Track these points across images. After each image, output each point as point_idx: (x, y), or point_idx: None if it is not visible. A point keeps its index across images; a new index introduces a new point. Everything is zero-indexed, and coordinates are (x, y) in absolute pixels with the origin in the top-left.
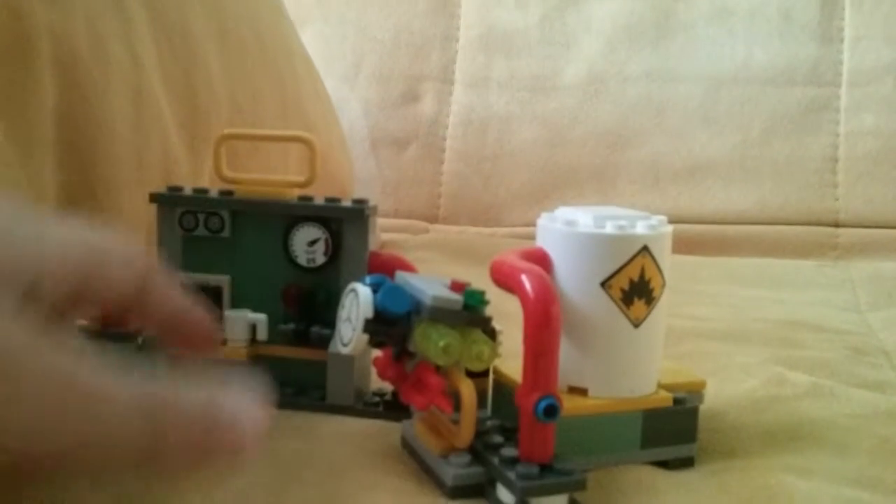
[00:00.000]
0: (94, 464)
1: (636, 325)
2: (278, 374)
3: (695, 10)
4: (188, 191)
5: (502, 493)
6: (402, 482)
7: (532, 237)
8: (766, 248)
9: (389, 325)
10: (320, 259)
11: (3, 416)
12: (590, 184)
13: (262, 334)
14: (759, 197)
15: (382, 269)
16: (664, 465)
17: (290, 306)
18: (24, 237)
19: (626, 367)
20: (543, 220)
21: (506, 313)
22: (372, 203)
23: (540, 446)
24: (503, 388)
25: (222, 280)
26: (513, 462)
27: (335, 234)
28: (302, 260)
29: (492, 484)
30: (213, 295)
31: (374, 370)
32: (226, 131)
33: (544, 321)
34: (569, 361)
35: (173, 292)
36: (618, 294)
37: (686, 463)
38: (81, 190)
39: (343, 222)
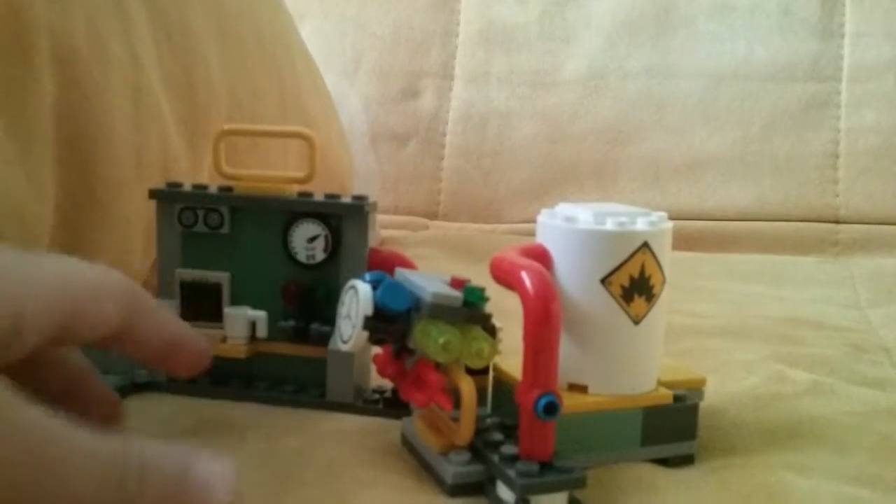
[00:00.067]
0: None
1: (636, 321)
2: (278, 371)
3: (695, 5)
4: (187, 187)
5: (502, 490)
6: (402, 479)
7: (532, 234)
8: (766, 244)
9: (389, 322)
10: (320, 255)
11: None
12: (590, 180)
13: (261, 331)
14: (760, 193)
15: (382, 265)
16: (664, 462)
17: (289, 303)
18: (2, 293)
19: (626, 365)
20: (543, 217)
21: (506, 310)
22: (372, 199)
23: (540, 444)
24: (503, 385)
25: (222, 277)
26: (513, 460)
27: (335, 231)
28: (301, 256)
29: (492, 482)
30: (212, 292)
31: (373, 367)
32: (225, 127)
33: (544, 318)
34: (569, 359)
35: (161, 320)
36: (618, 291)
37: (686, 460)
38: (80, 187)
39: (343, 219)
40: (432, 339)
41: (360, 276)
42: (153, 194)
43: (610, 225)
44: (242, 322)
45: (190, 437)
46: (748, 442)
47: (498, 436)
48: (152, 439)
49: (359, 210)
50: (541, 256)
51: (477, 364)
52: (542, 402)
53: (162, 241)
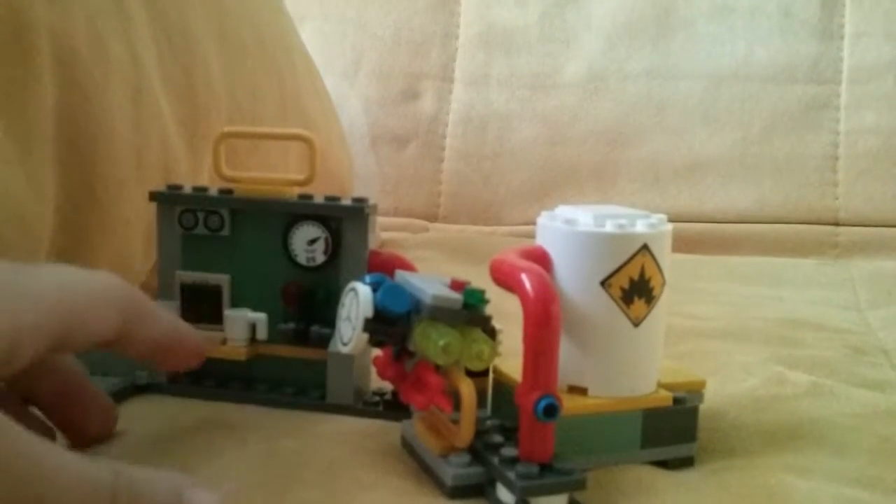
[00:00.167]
0: None
1: (636, 324)
2: (278, 374)
3: (695, 7)
4: (188, 189)
5: (502, 492)
6: (402, 482)
7: (532, 236)
8: (766, 246)
9: (389, 325)
10: (320, 258)
11: None
12: (590, 182)
13: (261, 333)
14: (760, 195)
15: (382, 267)
16: (664, 464)
17: (289, 305)
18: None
19: (625, 367)
20: (543, 219)
21: (506, 312)
22: (372, 201)
23: (540, 446)
24: (503, 387)
25: (222, 279)
26: (513, 462)
27: (335, 233)
28: (301, 259)
29: (492, 484)
30: (212, 294)
31: (373, 369)
32: (225, 129)
33: (544, 320)
34: (569, 361)
35: (159, 322)
36: (618, 293)
37: (686, 462)
38: (81, 188)
39: (343, 221)
40: (432, 342)
41: (361, 279)
42: (153, 196)
43: (610, 227)
44: (242, 324)
45: (190, 439)
46: (748, 444)
47: (498, 438)
48: (143, 466)
49: (359, 212)
50: (541, 259)
51: (477, 366)
52: (542, 404)
53: (162, 243)
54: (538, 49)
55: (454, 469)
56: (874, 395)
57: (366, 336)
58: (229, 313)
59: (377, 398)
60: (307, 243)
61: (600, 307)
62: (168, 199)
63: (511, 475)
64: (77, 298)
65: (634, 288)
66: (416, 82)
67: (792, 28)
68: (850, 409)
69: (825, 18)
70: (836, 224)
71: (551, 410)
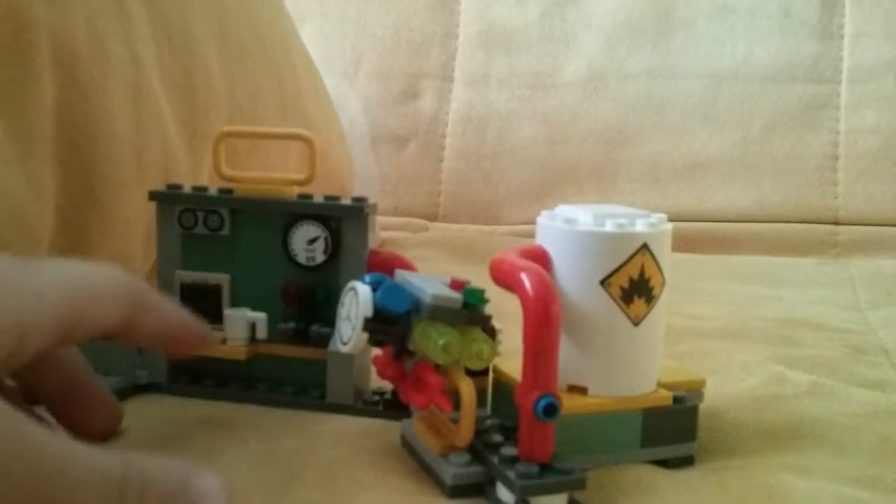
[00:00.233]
0: None
1: (636, 323)
2: (278, 373)
3: (695, 7)
4: (187, 189)
5: (502, 492)
6: (402, 481)
7: (532, 235)
8: (765, 245)
9: (389, 324)
10: (320, 257)
11: None
12: (590, 181)
13: (261, 333)
14: (759, 194)
15: (382, 267)
16: (664, 463)
17: (289, 305)
18: (3, 307)
19: (625, 366)
20: (543, 218)
21: (505, 312)
22: (371, 201)
23: (540, 445)
24: (503, 386)
25: (222, 278)
26: (512, 461)
27: (335, 233)
28: (301, 258)
29: (491, 483)
30: (212, 293)
31: (373, 369)
32: (225, 129)
33: (544, 320)
34: (568, 360)
35: (164, 313)
36: (617, 292)
37: (686, 462)
38: (81, 188)
39: (342, 220)
40: (432, 341)
41: (360, 278)
42: (153, 196)
43: (609, 226)
44: (242, 324)
45: (190, 439)
46: (748, 443)
47: (498, 437)
48: (152, 454)
49: (359, 212)
50: (540, 258)
51: (477, 365)
52: (542, 403)
53: (162, 242)
54: (538, 48)
55: (454, 468)
56: (874, 394)
57: (365, 335)
58: (229, 313)
59: (377, 398)
60: (307, 243)
61: (600, 307)
62: (168, 199)
63: (511, 474)
64: (81, 291)
65: (634, 287)
66: (416, 82)
67: (792, 28)
68: (850, 409)
69: (825, 18)
70: (836, 223)
71: (551, 410)
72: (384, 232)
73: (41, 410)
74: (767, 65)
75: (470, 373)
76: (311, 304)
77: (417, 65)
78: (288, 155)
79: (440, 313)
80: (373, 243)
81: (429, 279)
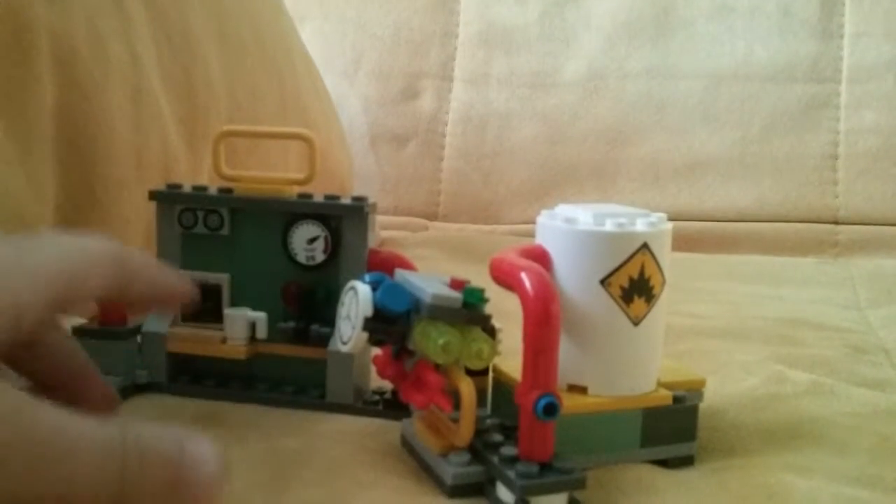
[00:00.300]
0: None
1: (636, 323)
2: (278, 373)
3: (695, 6)
4: (187, 188)
5: (502, 491)
6: (402, 481)
7: (532, 235)
8: (765, 245)
9: (389, 324)
10: (320, 257)
11: None
12: (590, 181)
13: (261, 332)
14: (759, 194)
15: (382, 266)
16: (664, 463)
17: (289, 304)
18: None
19: (625, 366)
20: (543, 218)
21: (505, 311)
22: (371, 200)
23: (539, 445)
24: (503, 386)
25: (222, 278)
26: (512, 461)
27: (334, 232)
28: (301, 258)
29: (491, 483)
30: (212, 293)
31: (373, 368)
32: (225, 128)
33: (544, 319)
34: (568, 360)
35: (149, 271)
36: (617, 292)
37: (686, 461)
38: (81, 187)
39: (342, 220)
40: (432, 341)
41: (360, 278)
42: (153, 196)
43: (609, 226)
44: (242, 323)
45: None
46: (748, 443)
47: (498, 437)
48: (147, 422)
49: (358, 211)
50: (540, 257)
51: (476, 365)
52: (542, 403)
53: (162, 242)
54: (538, 48)
55: (454, 468)
56: (874, 394)
57: (365, 335)
58: (229, 312)
59: (377, 397)
60: (307, 242)
61: (600, 306)
62: (168, 199)
63: (511, 474)
64: (72, 265)
65: (634, 287)
66: (416, 81)
67: (792, 27)
68: (850, 408)
69: (825, 18)
70: (836, 223)
71: (551, 409)
72: (384, 231)
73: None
74: (767, 64)
75: (470, 372)
76: (310, 304)
77: (417, 64)
78: (288, 154)
79: (440, 313)
80: (373, 243)
81: (429, 279)
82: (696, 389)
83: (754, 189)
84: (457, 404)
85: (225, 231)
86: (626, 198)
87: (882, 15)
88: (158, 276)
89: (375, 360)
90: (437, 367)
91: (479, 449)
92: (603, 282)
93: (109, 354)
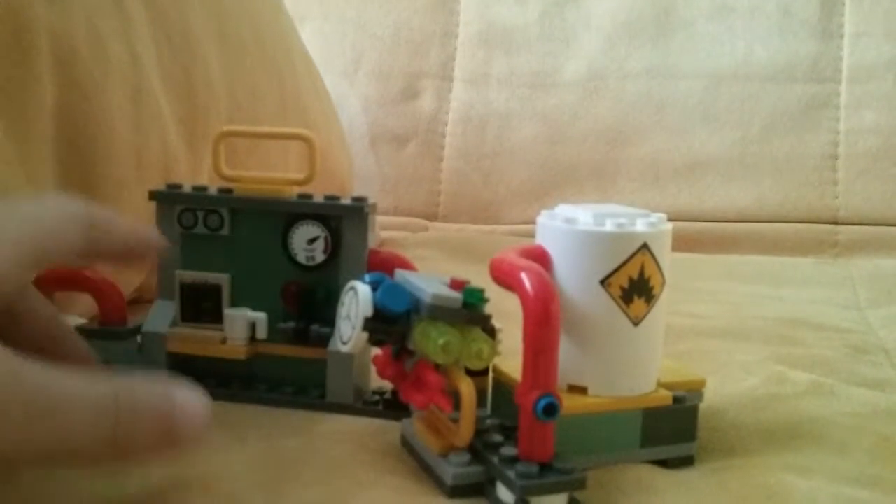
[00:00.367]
0: (64, 458)
1: (636, 323)
2: (278, 373)
3: (695, 6)
4: (187, 188)
5: (502, 492)
6: (402, 481)
7: (532, 235)
8: (765, 245)
9: (389, 324)
10: (320, 257)
11: None
12: (589, 181)
13: (261, 333)
14: (759, 194)
15: (382, 267)
16: (664, 463)
17: (289, 304)
18: None
19: (625, 366)
20: (543, 218)
21: (505, 311)
22: (371, 201)
23: (539, 445)
24: (503, 386)
25: (221, 278)
26: (512, 461)
27: (334, 232)
28: (301, 258)
29: (491, 483)
30: (212, 293)
31: (373, 368)
32: (225, 128)
33: (544, 319)
34: (568, 360)
35: (116, 227)
36: (617, 292)
37: (686, 462)
38: (80, 187)
39: (342, 220)
40: (432, 341)
41: (360, 278)
42: (153, 196)
43: (609, 226)
44: (242, 323)
45: None
46: (748, 443)
47: (498, 437)
48: (135, 377)
49: (358, 211)
50: (540, 258)
51: (476, 365)
52: (542, 403)
53: None
54: (538, 48)
55: (454, 468)
56: (874, 394)
57: (365, 335)
58: (229, 312)
59: (377, 397)
60: (307, 242)
61: (600, 306)
62: (168, 199)
63: (511, 474)
64: (46, 225)
65: (634, 287)
66: (416, 81)
67: (791, 27)
68: (850, 409)
69: (825, 18)
70: (836, 223)
71: (551, 410)
72: (384, 231)
73: None
74: (767, 64)
75: (470, 372)
76: (310, 304)
77: (417, 64)
78: (288, 154)
79: (440, 313)
80: (373, 243)
81: (429, 279)
82: (696, 390)
83: (754, 189)
84: (457, 404)
85: (225, 231)
86: (625, 198)
87: (882, 15)
88: (128, 229)
89: (375, 360)
90: (437, 367)
91: (479, 449)
92: (603, 282)
93: (109, 354)
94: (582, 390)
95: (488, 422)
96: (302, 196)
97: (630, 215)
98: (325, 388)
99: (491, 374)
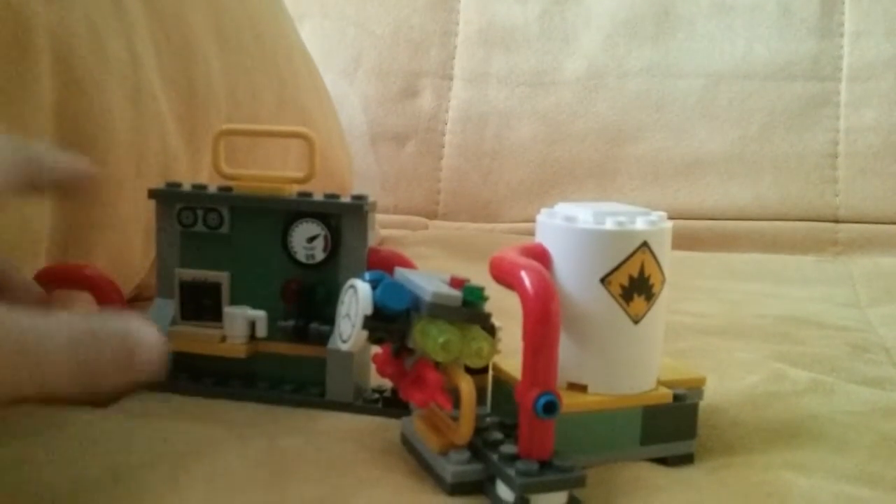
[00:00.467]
0: (39, 393)
1: (636, 321)
2: (277, 371)
3: (694, 5)
4: (187, 187)
5: (502, 489)
6: (402, 479)
7: (531, 233)
8: (765, 243)
9: (388, 322)
10: (319, 255)
11: None
12: (589, 179)
13: (261, 331)
14: (759, 192)
15: (381, 265)
16: (664, 461)
17: (289, 303)
18: None
19: (625, 364)
20: (543, 216)
21: (505, 310)
22: (371, 199)
23: (539, 443)
24: (503, 384)
25: (221, 277)
26: (512, 459)
27: (334, 231)
28: (301, 256)
29: (491, 481)
30: (211, 291)
31: (373, 367)
32: (224, 127)
33: (544, 317)
34: (568, 358)
35: (55, 159)
36: (617, 290)
37: (685, 460)
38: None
39: (342, 218)
40: (432, 339)
41: (360, 276)
42: (152, 194)
43: (609, 224)
44: (242, 322)
45: (190, 436)
46: (748, 441)
47: (497, 435)
48: (95, 315)
49: (358, 210)
50: (540, 256)
51: (476, 363)
52: (542, 401)
53: (161, 240)
54: (538, 46)
55: (454, 466)
56: (874, 392)
57: (365, 333)
58: (229, 311)
59: (377, 395)
60: (307, 241)
61: (600, 304)
62: (167, 197)
63: (511, 472)
64: None
65: (634, 285)
66: (416, 80)
67: (791, 26)
68: (850, 406)
69: (825, 16)
70: (836, 221)
71: (551, 407)
72: (384, 230)
73: None
74: (767, 63)
75: (469, 370)
76: (310, 302)
77: (417, 63)
78: (287, 153)
79: (440, 311)
80: (372, 241)
81: (428, 277)
82: (696, 388)
83: (754, 187)
84: (456, 402)
85: (224, 229)
86: (625, 196)
87: (882, 13)
88: (64, 162)
89: (375, 358)
90: (436, 365)
91: (478, 447)
92: (603, 280)
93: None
94: (582, 388)
95: (488, 420)
96: (302, 194)
97: (630, 213)
98: (325, 386)
99: (491, 373)
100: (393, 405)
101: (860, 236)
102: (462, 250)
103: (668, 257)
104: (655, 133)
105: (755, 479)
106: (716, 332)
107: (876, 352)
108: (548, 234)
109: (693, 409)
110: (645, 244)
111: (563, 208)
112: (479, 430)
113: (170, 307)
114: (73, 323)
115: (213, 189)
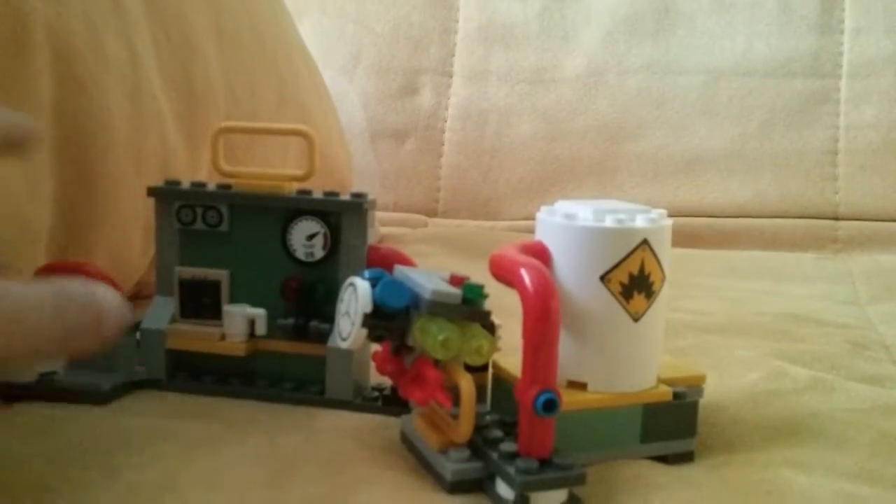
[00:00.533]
0: (26, 355)
1: (636, 319)
2: (277, 369)
3: (694, 2)
4: (186, 184)
5: (502, 487)
6: (402, 477)
7: (531, 231)
8: (765, 241)
9: (388, 320)
10: (319, 253)
11: None
12: (589, 177)
13: (260, 329)
14: (759, 190)
15: (381, 263)
16: (664, 459)
17: (288, 301)
18: None
19: (625, 362)
20: (543, 214)
21: (505, 307)
22: (370, 197)
23: (539, 441)
24: (502, 382)
25: (221, 275)
26: (512, 457)
27: (334, 228)
28: (300, 254)
29: (491, 479)
30: (211, 289)
31: (372, 365)
32: (223, 124)
33: (543, 315)
34: (568, 356)
35: None
36: (617, 288)
37: (685, 457)
38: (79, 184)
39: (342, 216)
40: (431, 337)
41: (360, 274)
42: (151, 192)
43: (609, 222)
44: (241, 320)
45: (189, 434)
46: (748, 438)
47: (497, 433)
48: (65, 280)
49: (358, 207)
50: (540, 254)
51: (476, 361)
52: (542, 399)
53: (160, 238)
54: (537, 44)
55: (453, 464)
56: (874, 389)
57: (365, 331)
58: (228, 309)
59: (376, 393)
60: (306, 238)
61: (600, 302)
62: (166, 195)
63: (510, 470)
64: None
65: (634, 283)
66: (415, 77)
67: (791, 23)
68: (850, 404)
69: (825, 13)
70: (836, 218)
71: (551, 405)
72: (383, 227)
73: None
74: (767, 60)
75: (469, 368)
76: (310, 300)
77: (416, 60)
78: (287, 150)
79: (439, 309)
80: (372, 239)
81: (428, 275)
82: (696, 385)
83: (754, 185)
84: (456, 400)
85: (224, 227)
86: (625, 194)
87: (882, 10)
88: (4, 118)
89: (375, 356)
90: (436, 363)
91: (478, 445)
92: (603, 278)
93: (108, 351)
94: (582, 386)
95: (488, 418)
96: (301, 192)
97: (630, 211)
98: (325, 384)
99: (490, 370)
100: (392, 403)
101: (860, 234)
102: (462, 248)
103: (668, 255)
104: (655, 130)
105: (755, 477)
106: (716, 329)
107: (876, 349)
108: (548, 231)
109: (693, 407)
110: (645, 242)
111: (562, 206)
112: (479, 428)
113: (169, 305)
114: (55, 289)
115: (212, 187)
